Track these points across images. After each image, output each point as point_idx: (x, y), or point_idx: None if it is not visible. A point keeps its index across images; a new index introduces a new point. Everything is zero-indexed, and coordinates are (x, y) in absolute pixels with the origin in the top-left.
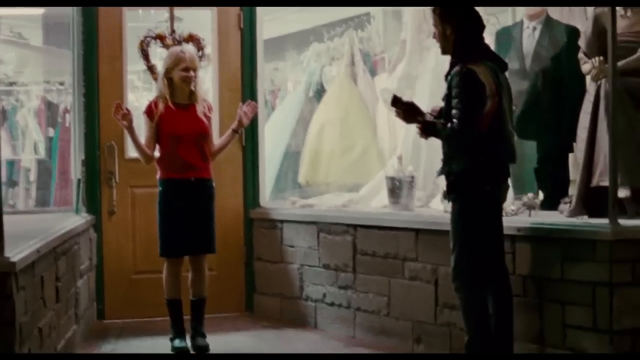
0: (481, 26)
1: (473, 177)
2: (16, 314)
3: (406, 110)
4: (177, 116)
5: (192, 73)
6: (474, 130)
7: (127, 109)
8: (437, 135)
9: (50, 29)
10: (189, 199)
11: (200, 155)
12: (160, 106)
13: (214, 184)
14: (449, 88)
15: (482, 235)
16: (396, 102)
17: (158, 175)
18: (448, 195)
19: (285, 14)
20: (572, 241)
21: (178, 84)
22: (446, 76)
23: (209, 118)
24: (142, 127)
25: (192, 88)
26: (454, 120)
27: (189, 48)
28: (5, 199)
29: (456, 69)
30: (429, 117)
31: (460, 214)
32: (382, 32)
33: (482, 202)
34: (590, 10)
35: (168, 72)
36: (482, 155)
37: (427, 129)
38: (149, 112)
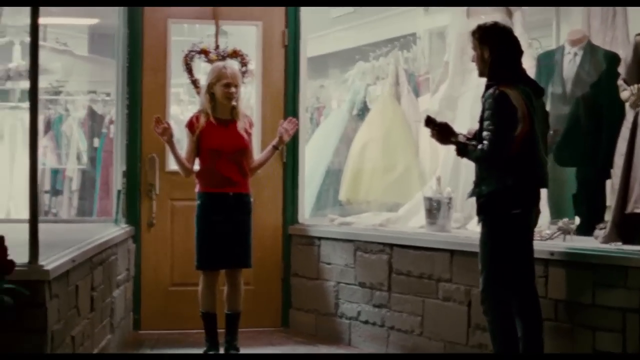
0: (519, 50)
1: (502, 199)
2: (48, 322)
3: (439, 131)
4: (217, 131)
5: (233, 89)
6: (504, 153)
7: (167, 123)
8: (468, 157)
9: (96, 40)
10: (226, 213)
11: (238, 170)
12: (202, 120)
13: (252, 199)
14: (483, 110)
15: (509, 258)
16: (429, 122)
17: (197, 189)
18: (478, 216)
19: (331, 31)
20: (604, 267)
21: (220, 99)
22: (482, 98)
23: (249, 134)
24: (183, 140)
25: (234, 104)
26: (484, 142)
27: (232, 64)
28: (48, 208)
29: (490, 91)
30: (462, 139)
31: (488, 236)
32: (428, 53)
33: (510, 225)
34: (632, 37)
35: (210, 87)
36: (512, 178)
37: (460, 150)
38: (190, 126)
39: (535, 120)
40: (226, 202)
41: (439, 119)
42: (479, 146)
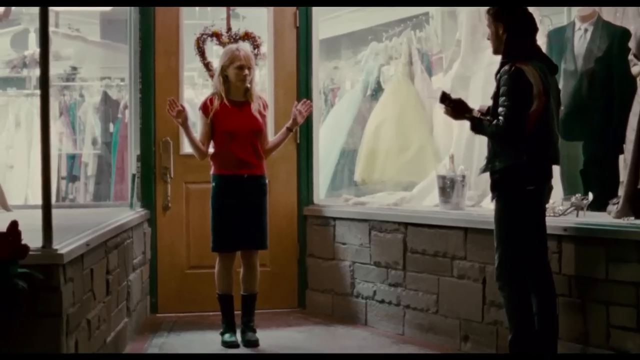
0: (534, 27)
1: (516, 176)
2: (63, 305)
3: (454, 107)
4: (231, 113)
5: (246, 71)
6: (519, 129)
7: (181, 106)
8: (483, 132)
9: (108, 26)
10: (241, 195)
11: (253, 152)
12: (216, 103)
13: (267, 181)
14: (498, 86)
15: (524, 234)
16: (444, 99)
17: (212, 171)
18: (492, 193)
19: (344, 12)
20: (616, 242)
21: (233, 81)
22: (496, 75)
23: (263, 116)
24: (198, 124)
25: (248, 86)
26: (500, 118)
27: (245, 46)
28: (65, 194)
29: (505, 67)
30: (476, 114)
31: (503, 212)
32: (440, 32)
33: (524, 201)
34: None
35: (223, 70)
36: (526, 154)
37: (474, 126)
38: (204, 108)
39: (551, 97)
40: (241, 184)
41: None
42: (494, 122)
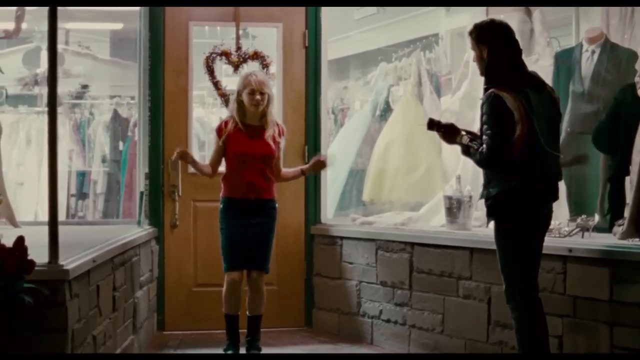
0: (517, 48)
1: (508, 200)
2: (69, 321)
3: (445, 132)
4: (244, 137)
5: (258, 96)
6: (503, 157)
7: (179, 151)
8: (471, 158)
9: (117, 43)
10: (248, 217)
11: (263, 177)
12: (230, 126)
13: (276, 205)
14: (481, 114)
15: (520, 256)
16: (432, 125)
17: (221, 193)
18: (487, 218)
19: (353, 33)
20: (621, 263)
21: (247, 106)
22: (480, 100)
23: (277, 142)
24: (211, 144)
25: (262, 110)
26: (484, 146)
27: (259, 72)
28: (75, 211)
29: (485, 94)
30: (465, 139)
31: (500, 237)
32: (450, 53)
33: (518, 225)
34: None
35: (239, 95)
36: (516, 179)
37: (463, 151)
38: (218, 130)
39: (536, 120)
40: (249, 207)
41: (460, 118)
42: (479, 149)
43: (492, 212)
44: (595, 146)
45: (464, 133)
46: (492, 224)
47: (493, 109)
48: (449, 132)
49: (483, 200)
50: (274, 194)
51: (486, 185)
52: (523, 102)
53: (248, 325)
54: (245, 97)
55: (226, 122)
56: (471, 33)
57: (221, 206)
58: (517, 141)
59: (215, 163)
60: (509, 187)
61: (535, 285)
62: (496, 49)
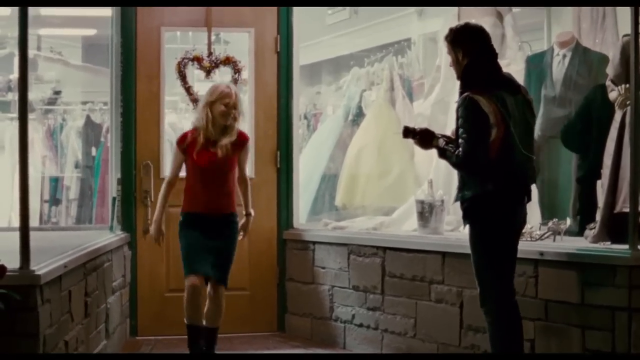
0: (492, 52)
1: (483, 204)
2: (40, 326)
3: (421, 138)
4: (203, 150)
5: (233, 111)
6: (479, 159)
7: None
8: (447, 161)
9: (89, 49)
10: (207, 229)
11: (222, 190)
12: (189, 137)
13: (237, 219)
14: (457, 117)
15: (496, 260)
16: (407, 133)
17: (181, 208)
18: (463, 221)
19: (325, 38)
20: (592, 266)
21: (217, 118)
22: (456, 104)
23: (236, 154)
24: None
25: (230, 123)
26: (460, 149)
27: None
28: (48, 217)
29: (461, 98)
30: (441, 142)
31: (476, 240)
32: (422, 58)
33: (494, 228)
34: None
35: (209, 105)
36: (491, 182)
37: (440, 155)
38: (179, 141)
39: (512, 122)
40: (208, 223)
41: (432, 123)
42: (456, 152)
43: (467, 215)
44: (564, 145)
45: (439, 136)
46: (467, 227)
47: (469, 113)
48: (424, 138)
49: (458, 204)
50: (234, 207)
51: (461, 188)
52: (498, 105)
53: (204, 336)
54: (217, 108)
55: (187, 133)
56: (447, 37)
57: (181, 219)
58: (493, 144)
59: (175, 172)
60: (484, 190)
61: (512, 288)
62: (472, 51)
